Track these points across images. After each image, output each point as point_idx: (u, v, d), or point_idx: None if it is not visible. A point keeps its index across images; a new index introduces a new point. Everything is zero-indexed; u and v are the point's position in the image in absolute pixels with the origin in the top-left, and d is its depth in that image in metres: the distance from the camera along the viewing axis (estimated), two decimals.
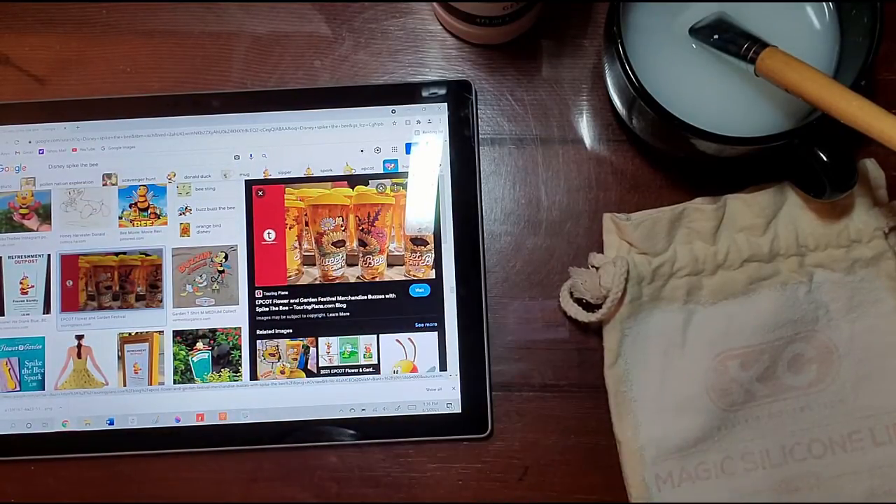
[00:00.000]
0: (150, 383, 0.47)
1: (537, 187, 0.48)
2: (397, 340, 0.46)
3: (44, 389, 0.47)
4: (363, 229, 0.47)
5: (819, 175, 0.40)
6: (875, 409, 0.44)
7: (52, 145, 0.48)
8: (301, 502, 0.46)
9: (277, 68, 0.49)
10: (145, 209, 0.48)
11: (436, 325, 0.46)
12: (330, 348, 0.47)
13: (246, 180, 0.48)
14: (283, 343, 0.47)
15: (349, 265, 0.47)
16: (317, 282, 0.47)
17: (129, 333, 0.47)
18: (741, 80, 0.41)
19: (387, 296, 0.47)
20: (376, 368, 0.46)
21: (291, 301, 0.47)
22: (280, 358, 0.47)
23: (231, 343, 0.47)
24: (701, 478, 0.44)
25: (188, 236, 0.47)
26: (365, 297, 0.47)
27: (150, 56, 0.49)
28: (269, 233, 0.47)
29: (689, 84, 0.41)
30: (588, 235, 0.47)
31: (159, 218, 0.48)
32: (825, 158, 0.39)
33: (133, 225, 0.48)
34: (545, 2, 0.46)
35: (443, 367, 0.46)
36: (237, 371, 0.46)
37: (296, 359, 0.47)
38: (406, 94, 0.48)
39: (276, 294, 0.47)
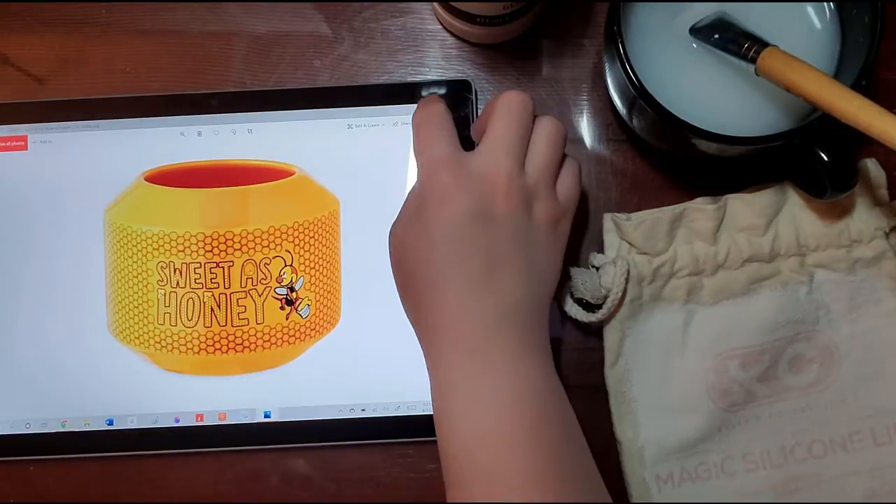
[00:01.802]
0: None
1: None
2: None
3: None
4: None
5: (820, 175, 0.40)
6: (876, 409, 0.44)
7: None
8: (301, 502, 0.46)
9: (277, 68, 0.49)
10: None
11: None
12: None
13: None
14: None
15: None
16: None
17: None
18: (742, 80, 0.41)
19: None
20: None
21: None
22: None
23: None
24: (701, 478, 0.44)
25: None
26: None
27: (150, 56, 0.49)
28: None
29: (689, 84, 0.41)
30: (588, 235, 0.47)
31: None
32: (826, 158, 0.39)
33: None
34: (545, 2, 0.46)
35: None
36: None
37: None
38: (406, 93, 0.48)
39: None
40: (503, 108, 0.39)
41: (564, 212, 0.41)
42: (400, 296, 0.40)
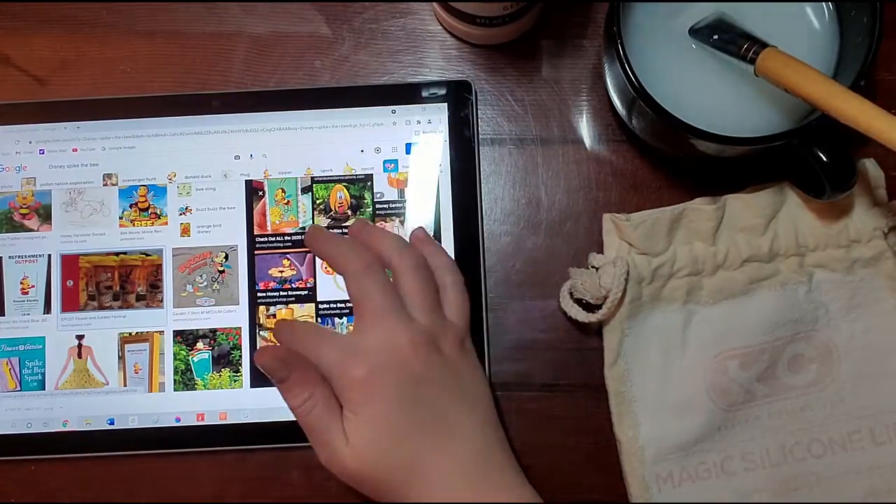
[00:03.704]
0: (151, 383, 0.47)
1: (537, 187, 0.48)
2: None
3: (44, 389, 0.47)
4: None
5: (819, 175, 0.40)
6: (875, 408, 0.45)
7: (52, 145, 0.48)
8: (301, 502, 0.46)
9: (278, 68, 0.49)
10: (146, 209, 0.48)
11: None
12: None
13: (246, 180, 0.48)
14: None
15: None
16: None
17: (130, 333, 0.47)
18: (741, 81, 0.41)
19: None
20: None
21: None
22: None
23: (231, 343, 0.47)
24: (701, 477, 0.44)
25: (188, 236, 0.47)
26: None
27: (150, 56, 0.49)
28: None
29: (689, 84, 0.41)
30: (588, 235, 0.47)
31: (160, 218, 0.48)
32: (825, 158, 0.39)
33: (133, 225, 0.48)
34: (545, 2, 0.46)
35: None
36: (237, 371, 0.47)
37: None
38: (406, 94, 0.48)
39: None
40: (359, 281, 0.38)
41: (463, 329, 0.41)
42: (374, 496, 0.39)
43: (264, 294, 0.47)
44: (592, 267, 0.45)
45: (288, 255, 0.47)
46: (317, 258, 0.46)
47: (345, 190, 0.47)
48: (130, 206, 0.48)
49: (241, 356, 0.47)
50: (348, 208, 0.47)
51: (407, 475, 0.37)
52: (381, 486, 0.38)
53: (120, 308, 0.47)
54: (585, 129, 0.48)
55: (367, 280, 0.38)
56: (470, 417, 0.39)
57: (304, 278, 0.47)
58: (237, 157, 0.48)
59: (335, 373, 0.38)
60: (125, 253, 0.47)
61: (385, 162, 0.48)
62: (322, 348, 0.38)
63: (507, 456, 0.40)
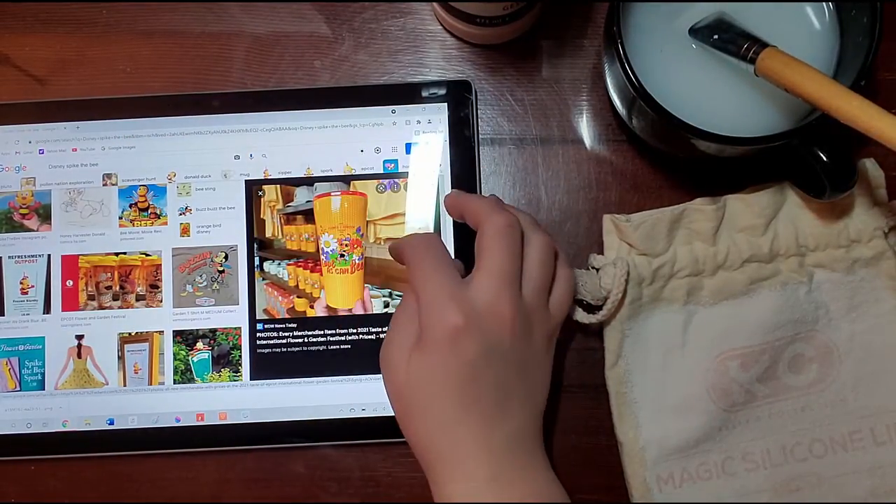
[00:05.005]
0: (151, 383, 0.47)
1: (537, 187, 0.48)
2: None
3: (44, 389, 0.47)
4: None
5: (819, 175, 0.40)
6: (875, 408, 0.45)
7: (52, 145, 0.48)
8: (301, 502, 0.46)
9: (277, 68, 0.49)
10: (145, 209, 0.48)
11: None
12: None
13: (246, 180, 0.48)
14: None
15: None
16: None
17: (130, 333, 0.47)
18: (741, 80, 0.41)
19: None
20: (377, 368, 0.46)
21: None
22: None
23: (231, 343, 0.47)
24: (702, 478, 0.44)
25: (188, 236, 0.47)
26: None
27: (150, 56, 0.49)
28: None
29: (689, 84, 0.41)
30: (588, 236, 0.47)
31: (159, 218, 0.48)
32: (825, 158, 0.39)
33: (133, 225, 0.48)
34: (545, 2, 0.46)
35: None
36: (237, 371, 0.47)
37: None
38: (406, 94, 0.48)
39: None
40: (495, 237, 0.39)
41: (558, 324, 0.42)
42: (401, 424, 0.39)
43: None
44: (593, 268, 0.45)
45: None
46: None
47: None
48: (130, 206, 0.48)
49: (240, 356, 0.47)
50: None
51: (440, 432, 0.38)
52: (413, 424, 0.39)
53: (120, 308, 0.47)
54: (585, 129, 0.48)
55: (501, 238, 0.39)
56: (523, 407, 0.39)
57: None
58: (237, 157, 0.48)
59: (433, 309, 0.38)
60: (125, 253, 0.47)
61: (385, 162, 0.48)
62: (429, 282, 0.39)
63: (538, 446, 0.40)
